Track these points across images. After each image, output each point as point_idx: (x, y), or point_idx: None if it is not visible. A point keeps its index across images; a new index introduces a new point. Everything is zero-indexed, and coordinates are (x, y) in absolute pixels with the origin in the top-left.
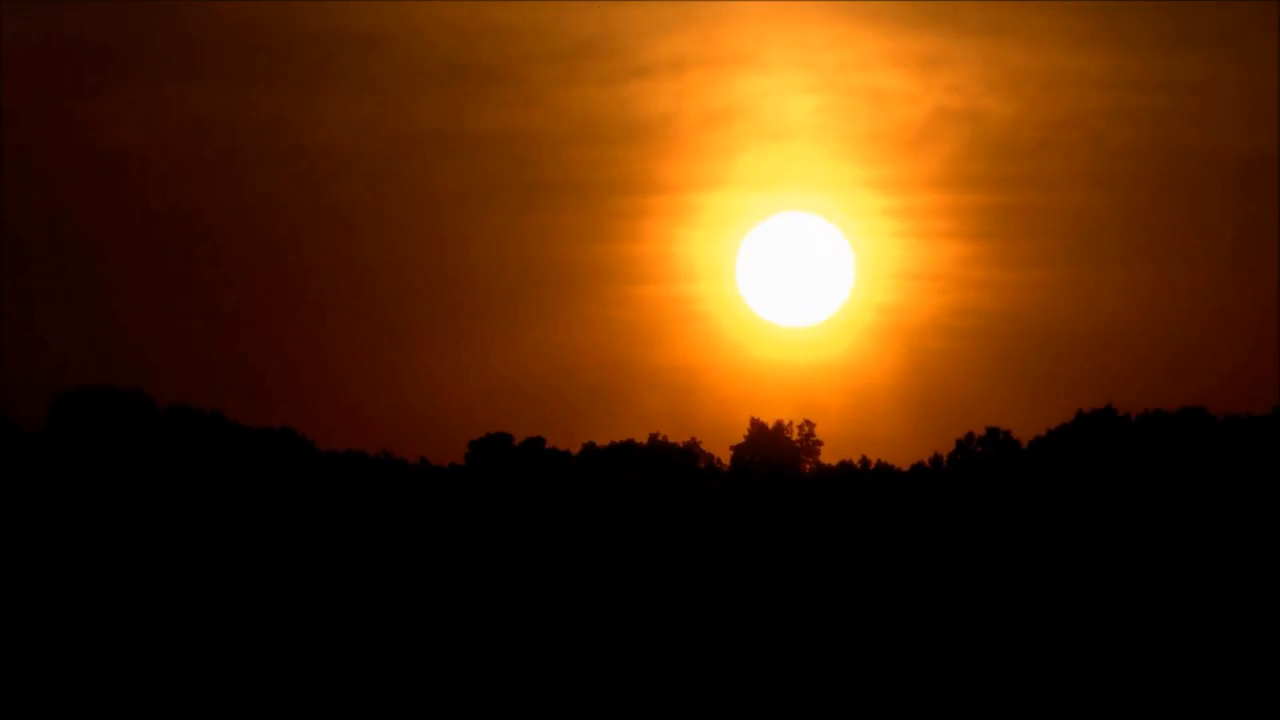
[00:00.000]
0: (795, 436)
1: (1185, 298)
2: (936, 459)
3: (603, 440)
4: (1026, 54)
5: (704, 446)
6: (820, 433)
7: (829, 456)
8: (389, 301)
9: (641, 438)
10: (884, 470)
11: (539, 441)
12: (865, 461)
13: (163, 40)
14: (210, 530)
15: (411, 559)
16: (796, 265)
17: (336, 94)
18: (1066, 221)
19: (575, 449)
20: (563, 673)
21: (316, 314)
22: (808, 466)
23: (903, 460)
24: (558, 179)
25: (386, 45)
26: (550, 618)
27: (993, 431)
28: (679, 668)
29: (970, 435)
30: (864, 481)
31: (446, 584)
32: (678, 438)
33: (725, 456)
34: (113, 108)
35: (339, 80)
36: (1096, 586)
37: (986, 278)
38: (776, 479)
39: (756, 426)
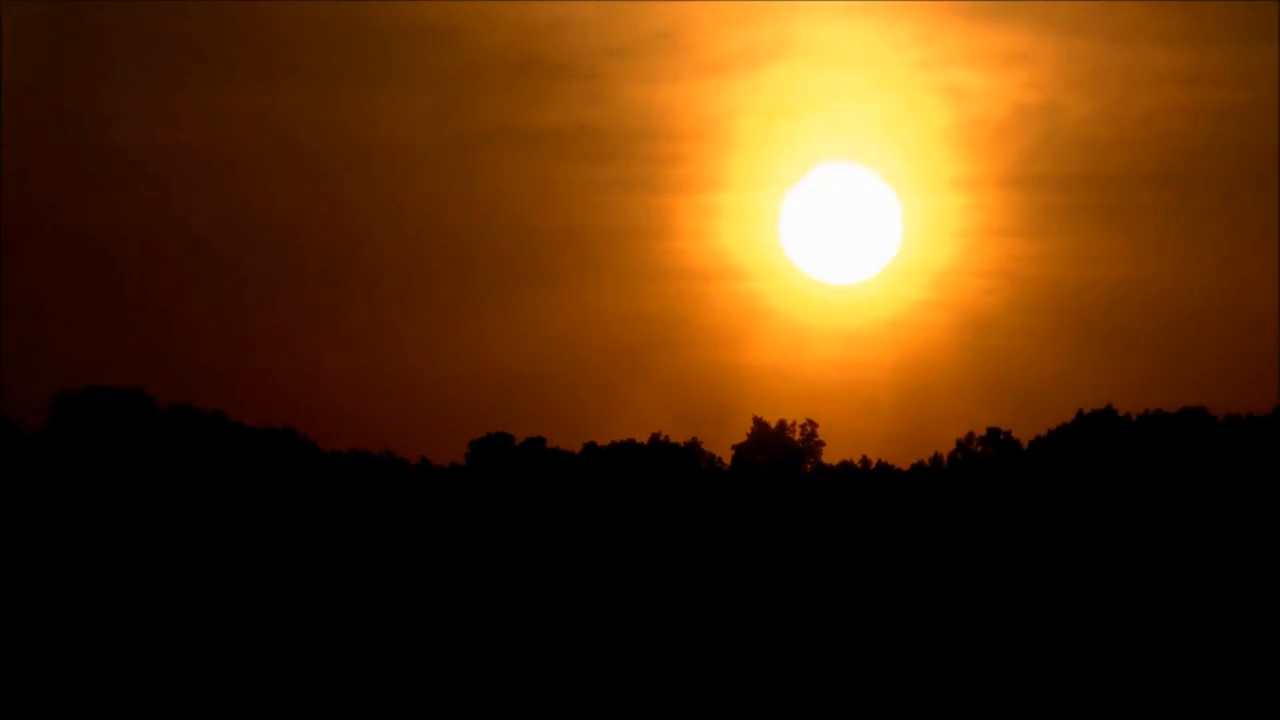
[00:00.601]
0: (798, 436)
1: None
2: (936, 459)
3: (603, 440)
4: (1108, 50)
5: (706, 446)
6: (823, 433)
7: (831, 455)
8: (423, 297)
9: (642, 437)
10: (884, 470)
11: (539, 441)
12: (865, 461)
13: (210, 38)
14: (212, 531)
15: (413, 559)
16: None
17: (399, 90)
18: (1130, 219)
19: (576, 449)
20: (564, 672)
21: (323, 313)
22: (809, 466)
23: (903, 460)
24: (623, 176)
25: (451, 40)
26: (551, 617)
27: (993, 431)
28: (680, 668)
29: (970, 435)
30: (864, 481)
31: (448, 584)
32: (679, 437)
33: (727, 456)
34: (128, 106)
35: (402, 76)
36: (1097, 586)
37: (1042, 274)
38: (777, 479)
39: (759, 425)
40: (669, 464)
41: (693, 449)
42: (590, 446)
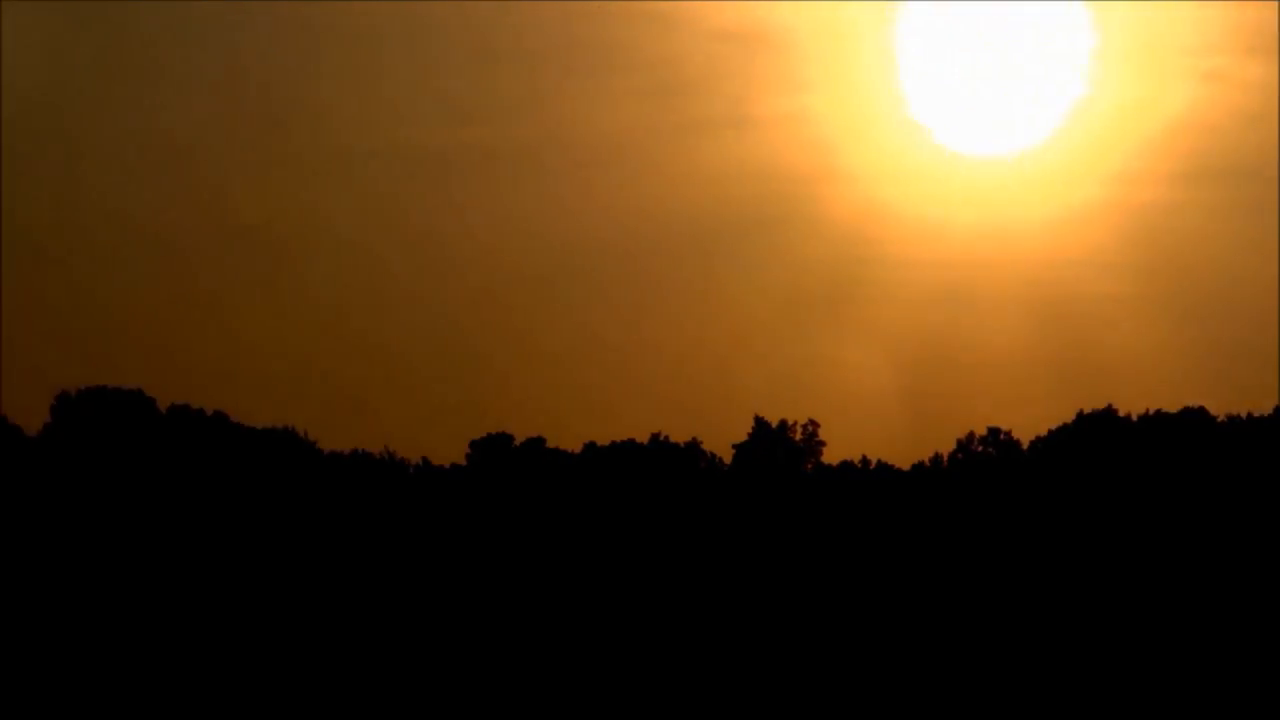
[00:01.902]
0: (798, 436)
1: None
2: (937, 459)
3: (603, 440)
4: None
5: (706, 446)
6: (824, 433)
7: (831, 455)
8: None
9: (642, 437)
10: (885, 470)
11: (540, 441)
12: (866, 461)
13: None
14: (212, 531)
15: (413, 558)
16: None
17: (613, 79)
18: None
19: (576, 449)
20: (564, 672)
21: (341, 315)
22: (810, 465)
23: (903, 460)
24: (824, 169)
25: (668, 24)
26: (552, 617)
27: (993, 431)
28: (681, 666)
29: (971, 435)
30: (865, 481)
31: (448, 583)
32: (680, 436)
33: (728, 455)
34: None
35: (615, 65)
36: (1097, 586)
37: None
38: (778, 478)
39: (759, 425)
40: (669, 464)
41: (693, 449)
42: (590, 446)
